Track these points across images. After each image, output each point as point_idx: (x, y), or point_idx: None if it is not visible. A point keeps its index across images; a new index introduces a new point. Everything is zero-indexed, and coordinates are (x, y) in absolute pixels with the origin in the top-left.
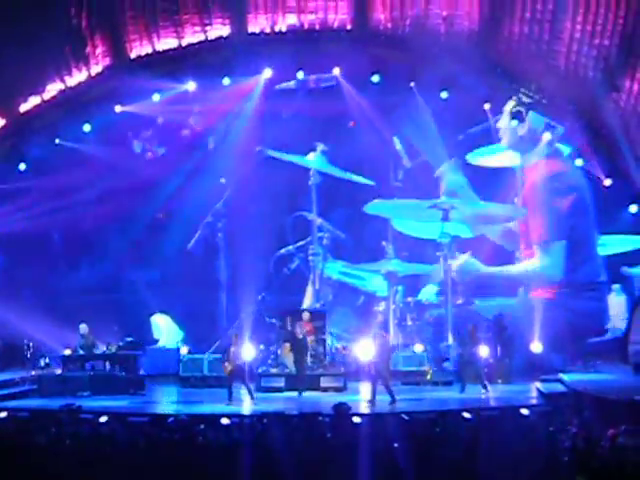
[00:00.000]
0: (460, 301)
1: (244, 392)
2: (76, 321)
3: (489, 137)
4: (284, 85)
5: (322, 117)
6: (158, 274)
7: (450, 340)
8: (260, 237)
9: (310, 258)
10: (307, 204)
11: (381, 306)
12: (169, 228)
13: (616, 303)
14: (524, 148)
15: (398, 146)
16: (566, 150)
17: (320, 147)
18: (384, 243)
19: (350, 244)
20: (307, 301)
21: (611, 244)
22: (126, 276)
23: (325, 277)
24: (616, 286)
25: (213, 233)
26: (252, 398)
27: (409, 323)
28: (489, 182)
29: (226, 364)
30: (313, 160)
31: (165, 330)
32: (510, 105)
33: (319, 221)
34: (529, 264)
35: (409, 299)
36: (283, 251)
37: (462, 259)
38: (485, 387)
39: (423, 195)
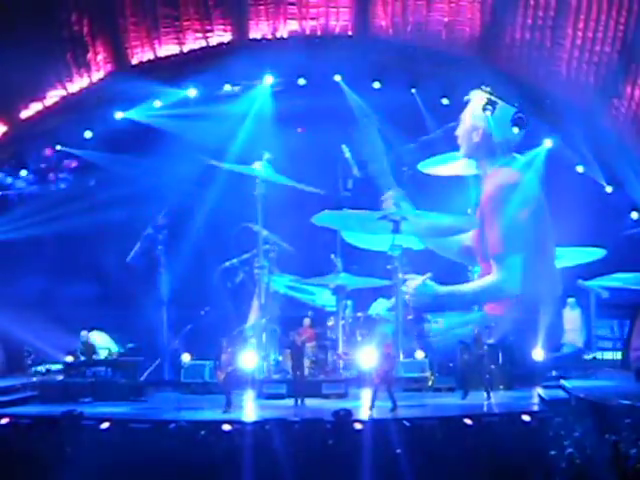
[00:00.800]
0: (411, 316)
1: (244, 398)
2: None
3: (443, 144)
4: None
5: (268, 123)
6: (95, 288)
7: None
8: (203, 249)
9: (255, 272)
10: (252, 215)
11: (330, 321)
12: (107, 239)
13: (571, 317)
14: (480, 156)
15: (347, 154)
16: (522, 160)
17: (266, 155)
18: (333, 256)
19: (297, 257)
20: (252, 316)
21: (567, 256)
22: (61, 290)
23: (271, 291)
24: (571, 300)
25: (153, 245)
26: (228, 408)
27: (359, 339)
28: (442, 192)
29: (218, 372)
30: (259, 169)
31: (102, 347)
32: (471, 108)
33: (265, 233)
34: (485, 280)
35: (359, 314)
36: (227, 264)
37: (418, 281)
38: (488, 394)
39: (373, 206)
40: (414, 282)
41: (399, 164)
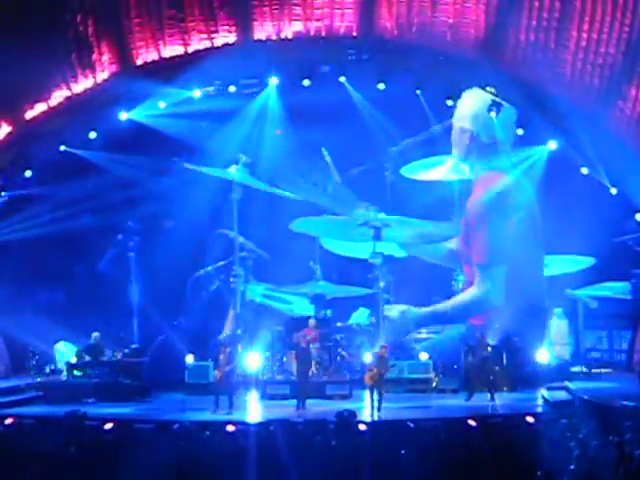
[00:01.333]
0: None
1: (249, 399)
2: None
3: (429, 148)
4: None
5: (246, 126)
6: (63, 296)
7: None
8: (176, 256)
9: (231, 280)
10: (228, 221)
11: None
12: (76, 245)
13: (558, 328)
14: (472, 159)
15: (327, 158)
16: (519, 159)
17: (243, 159)
18: (311, 263)
19: (274, 265)
20: (228, 326)
21: (555, 265)
22: (27, 298)
23: (247, 300)
24: (558, 310)
25: (124, 252)
26: (216, 409)
27: (340, 351)
28: (425, 198)
29: (216, 372)
30: (235, 173)
31: (67, 359)
32: (459, 111)
33: (241, 239)
34: (466, 294)
35: (338, 324)
36: (202, 272)
37: (398, 310)
38: (492, 396)
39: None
40: (394, 312)
41: (381, 169)
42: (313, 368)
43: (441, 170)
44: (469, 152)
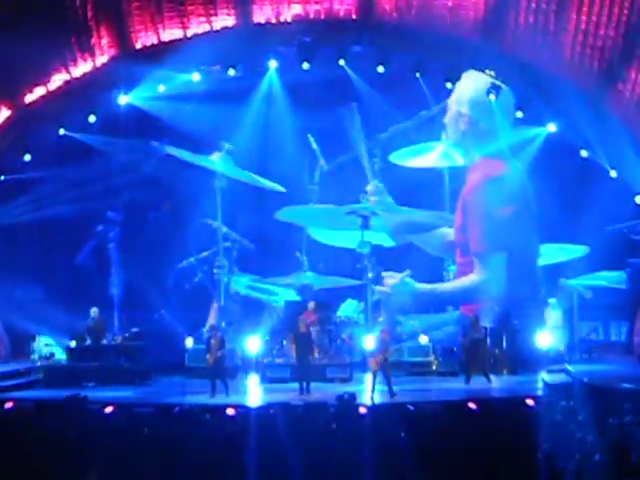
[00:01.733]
0: (382, 319)
1: (249, 382)
2: None
3: (419, 134)
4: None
5: (229, 113)
6: (41, 289)
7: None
8: (158, 247)
9: (215, 271)
10: (211, 210)
11: None
12: (55, 236)
13: (552, 319)
14: (467, 145)
15: (314, 145)
16: (518, 139)
17: (226, 146)
18: (298, 254)
19: (260, 255)
20: (211, 319)
21: (548, 254)
22: (3, 290)
23: (232, 292)
24: (552, 300)
25: (104, 243)
26: (213, 393)
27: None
28: (416, 185)
29: (208, 356)
30: (217, 161)
31: (46, 352)
32: (456, 94)
33: (225, 229)
34: (466, 280)
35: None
36: (184, 263)
37: (397, 278)
38: (488, 377)
39: (341, 200)
40: (392, 279)
41: (369, 155)
42: (315, 353)
43: (431, 157)
44: (465, 137)
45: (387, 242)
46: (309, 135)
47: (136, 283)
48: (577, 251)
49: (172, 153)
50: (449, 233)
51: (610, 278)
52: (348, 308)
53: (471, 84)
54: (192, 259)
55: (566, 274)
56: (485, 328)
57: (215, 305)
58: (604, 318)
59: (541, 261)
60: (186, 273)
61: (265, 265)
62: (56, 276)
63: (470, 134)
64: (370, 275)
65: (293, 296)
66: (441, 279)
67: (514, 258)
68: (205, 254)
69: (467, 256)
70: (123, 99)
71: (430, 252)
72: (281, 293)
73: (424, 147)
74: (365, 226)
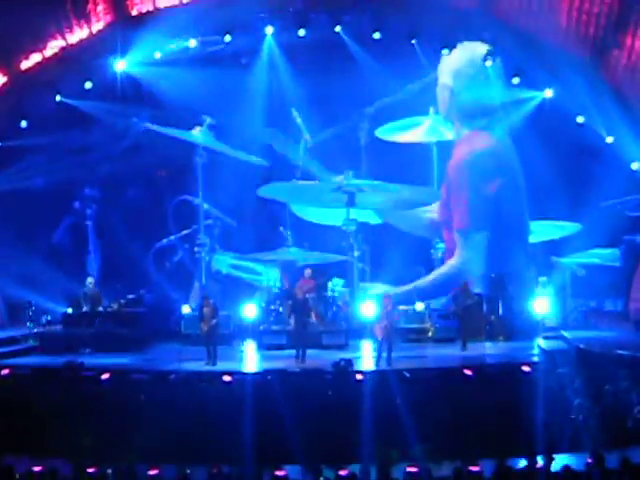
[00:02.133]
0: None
1: (245, 349)
2: None
3: (406, 108)
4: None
5: (210, 86)
6: (14, 269)
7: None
8: (137, 225)
9: (196, 249)
10: (192, 186)
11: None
12: (28, 213)
13: (543, 298)
14: (454, 117)
15: (298, 120)
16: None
17: (208, 120)
18: (282, 228)
19: (242, 233)
20: (193, 299)
21: (539, 231)
22: None
23: (213, 271)
24: (543, 278)
25: (81, 221)
26: (212, 362)
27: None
28: (402, 161)
29: (202, 324)
30: (199, 135)
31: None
32: (443, 64)
33: (206, 206)
34: (445, 267)
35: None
36: (164, 241)
37: (377, 290)
38: (464, 345)
39: (326, 176)
40: (374, 290)
41: (354, 129)
42: (313, 318)
43: (418, 132)
44: (450, 110)
45: (373, 219)
46: (293, 109)
47: (114, 262)
48: (570, 228)
49: (152, 128)
50: (431, 211)
51: (603, 256)
52: (334, 287)
53: (456, 55)
54: (172, 237)
55: (558, 252)
56: (477, 294)
57: (197, 284)
58: (598, 296)
59: (532, 238)
60: (166, 252)
61: (248, 243)
62: (32, 254)
63: (454, 106)
64: (356, 253)
65: (277, 275)
66: (429, 256)
67: (499, 235)
68: (186, 232)
69: (452, 231)
70: (119, 65)
71: (414, 233)
72: (264, 272)
73: (411, 121)
74: (351, 203)
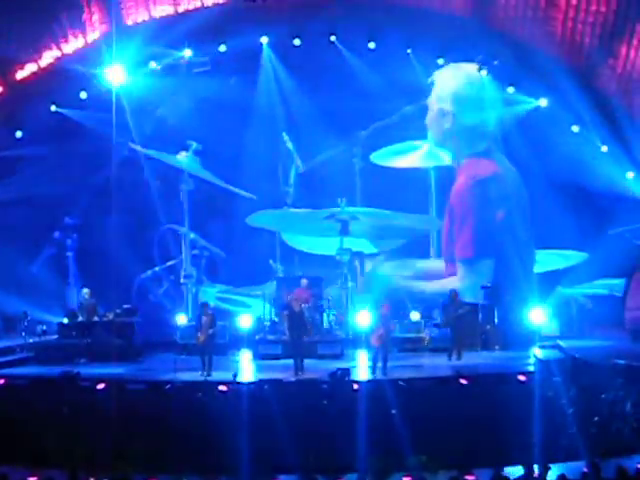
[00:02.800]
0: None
1: (241, 359)
2: None
3: (400, 132)
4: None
5: (198, 109)
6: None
7: None
8: (120, 256)
9: (182, 281)
10: (178, 215)
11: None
12: (6, 244)
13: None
14: (453, 144)
15: (289, 144)
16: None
17: (194, 146)
18: (271, 262)
19: (230, 264)
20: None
21: (544, 260)
22: None
23: (200, 304)
24: (549, 310)
25: (61, 251)
26: (207, 372)
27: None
28: (398, 187)
29: (199, 334)
30: (184, 160)
31: None
32: (436, 91)
33: (192, 235)
34: (448, 283)
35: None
36: (149, 273)
37: (371, 264)
38: (450, 356)
39: (319, 204)
40: (368, 265)
41: (349, 155)
42: (308, 331)
43: (415, 156)
44: (448, 136)
45: (368, 248)
46: (284, 134)
47: (95, 295)
48: (576, 257)
49: (136, 149)
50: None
51: (612, 286)
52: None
53: (450, 78)
54: (157, 268)
55: (563, 282)
56: (470, 304)
57: (183, 318)
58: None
59: (536, 268)
60: (150, 283)
61: (236, 274)
62: (7, 288)
63: (456, 132)
64: (350, 285)
65: (267, 308)
66: (427, 252)
67: (505, 264)
68: (171, 263)
69: (453, 262)
70: (113, 76)
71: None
72: (254, 304)
73: (408, 146)
74: (344, 232)
